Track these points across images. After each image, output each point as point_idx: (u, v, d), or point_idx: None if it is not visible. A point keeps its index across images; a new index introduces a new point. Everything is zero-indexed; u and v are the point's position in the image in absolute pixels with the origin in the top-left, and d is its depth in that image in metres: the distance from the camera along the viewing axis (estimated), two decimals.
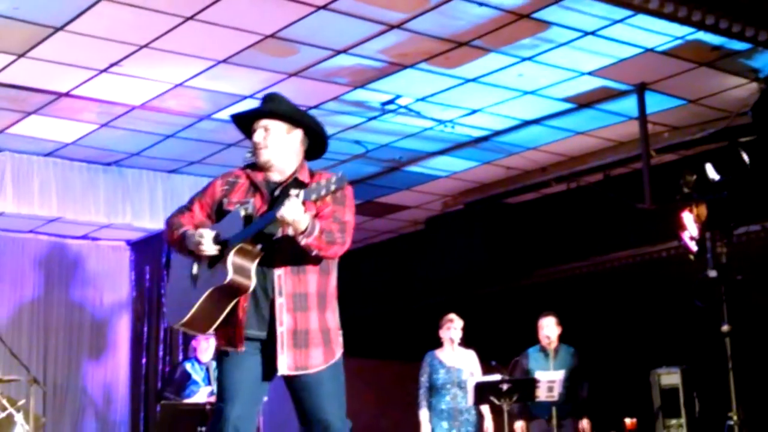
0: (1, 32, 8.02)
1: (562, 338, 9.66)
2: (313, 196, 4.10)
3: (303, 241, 4.20)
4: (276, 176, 4.50)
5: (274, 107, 4.56)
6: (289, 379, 4.38)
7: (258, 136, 4.48)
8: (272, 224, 4.24)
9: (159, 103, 9.63)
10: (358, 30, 8.24)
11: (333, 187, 4.05)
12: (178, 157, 11.24)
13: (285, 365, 4.30)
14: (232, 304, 4.29)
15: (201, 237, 4.30)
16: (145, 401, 13.09)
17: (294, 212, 4.10)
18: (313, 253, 4.28)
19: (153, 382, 12.96)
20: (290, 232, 4.25)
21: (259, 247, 4.29)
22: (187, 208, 4.59)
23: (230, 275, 4.19)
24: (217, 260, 4.28)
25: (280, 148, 4.48)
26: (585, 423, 9.37)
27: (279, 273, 4.33)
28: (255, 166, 4.54)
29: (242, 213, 4.30)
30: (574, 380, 9.38)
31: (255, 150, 4.48)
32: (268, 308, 4.35)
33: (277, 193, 4.43)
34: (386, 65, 8.98)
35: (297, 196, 4.10)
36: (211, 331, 4.36)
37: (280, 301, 4.32)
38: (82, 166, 11.16)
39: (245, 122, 4.61)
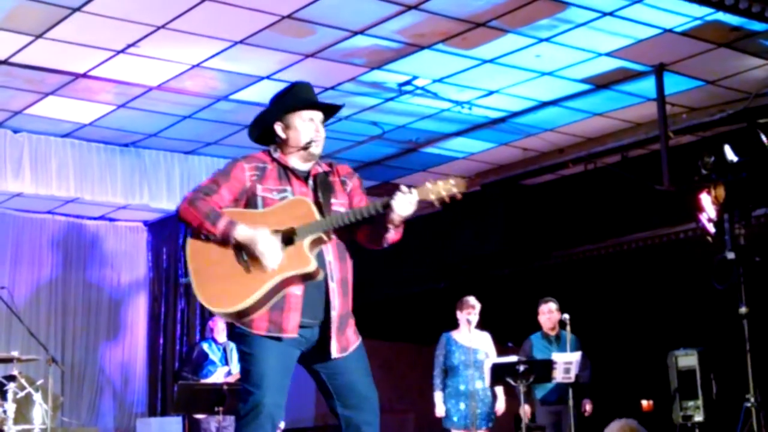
0: (18, 13, 8.04)
1: (577, 322, 9.64)
2: (432, 196, 4.22)
3: (395, 233, 4.38)
4: (306, 165, 4.51)
5: (331, 105, 4.68)
6: (326, 366, 4.42)
7: (321, 128, 4.53)
8: (358, 213, 4.31)
9: (176, 84, 9.64)
10: (376, 10, 8.22)
11: (452, 188, 4.20)
12: (195, 138, 11.26)
13: (336, 349, 4.36)
14: (285, 290, 4.27)
15: (265, 240, 4.24)
16: (162, 381, 13.16)
17: (413, 208, 4.26)
18: (389, 243, 4.43)
19: (170, 362, 13.03)
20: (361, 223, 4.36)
21: (333, 235, 4.36)
22: (215, 191, 4.39)
23: (314, 264, 4.23)
24: (285, 246, 4.27)
25: None
26: (588, 405, 9.41)
27: (329, 259, 4.38)
28: (279, 151, 4.51)
29: (309, 200, 4.34)
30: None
31: (313, 142, 4.48)
32: (316, 295, 4.36)
33: (311, 182, 4.45)
34: (403, 46, 8.96)
35: (410, 192, 4.23)
36: (255, 315, 4.28)
37: (332, 287, 4.36)
38: (100, 147, 11.19)
39: (301, 107, 4.54)
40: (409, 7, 8.18)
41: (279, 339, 4.29)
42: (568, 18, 8.49)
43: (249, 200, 4.40)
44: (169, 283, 13.37)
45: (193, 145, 11.53)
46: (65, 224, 13.39)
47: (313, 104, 4.55)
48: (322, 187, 4.41)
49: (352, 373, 4.40)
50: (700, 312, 10.84)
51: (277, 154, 4.50)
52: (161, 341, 13.29)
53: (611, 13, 8.40)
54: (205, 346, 10.33)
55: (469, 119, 10.89)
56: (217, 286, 4.29)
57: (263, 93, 9.90)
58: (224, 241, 4.28)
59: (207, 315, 11.83)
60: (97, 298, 13.56)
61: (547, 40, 8.92)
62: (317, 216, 4.30)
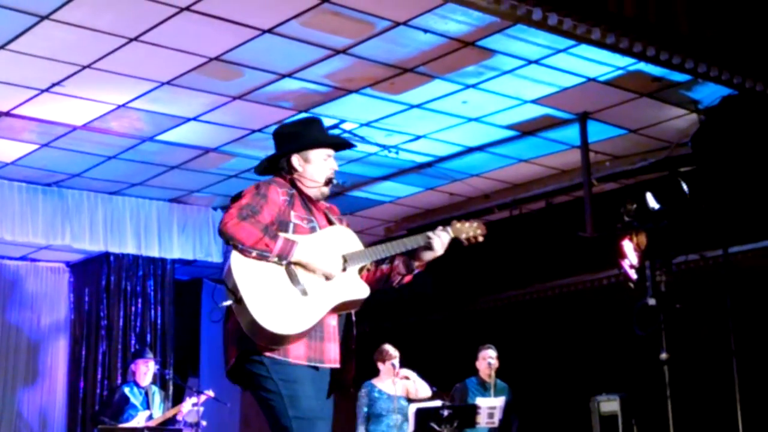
0: None
1: (502, 367, 9.68)
2: (463, 236, 4.62)
3: (412, 275, 4.56)
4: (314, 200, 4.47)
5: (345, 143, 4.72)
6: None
7: (335, 165, 4.49)
8: (400, 246, 4.43)
9: (101, 124, 9.54)
10: (304, 54, 8.24)
11: (479, 234, 4.67)
12: (119, 178, 11.14)
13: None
14: (330, 318, 4.20)
15: (329, 261, 4.17)
16: (82, 425, 12.88)
17: (445, 248, 4.50)
18: (401, 285, 4.56)
19: (90, 406, 12.75)
20: (391, 263, 4.51)
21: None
22: (259, 212, 4.16)
23: (368, 291, 4.29)
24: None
25: None
26: None
27: None
28: (294, 182, 4.40)
29: (350, 232, 4.38)
30: (507, 415, 9.35)
31: (330, 177, 4.43)
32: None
33: (319, 215, 4.38)
34: (331, 90, 8.99)
35: (447, 232, 4.58)
36: (294, 342, 4.09)
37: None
38: (22, 187, 11.01)
39: (322, 145, 4.48)
40: (338, 52, 8.21)
41: (316, 369, 4.14)
42: (494, 65, 8.59)
43: (280, 225, 4.21)
44: (90, 326, 13.12)
45: (117, 186, 11.40)
46: None
47: (337, 143, 4.59)
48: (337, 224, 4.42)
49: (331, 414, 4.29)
50: (622, 357, 10.93)
51: (296, 183, 4.39)
52: (82, 384, 13.02)
53: (536, 62, 8.51)
54: (126, 389, 10.18)
55: (396, 164, 10.93)
56: (272, 306, 4.03)
57: (189, 134, 9.85)
58: (279, 259, 4.08)
59: (129, 358, 11.65)
60: (16, 340, 13.26)
61: (473, 86, 9.01)
62: (362, 246, 4.33)
